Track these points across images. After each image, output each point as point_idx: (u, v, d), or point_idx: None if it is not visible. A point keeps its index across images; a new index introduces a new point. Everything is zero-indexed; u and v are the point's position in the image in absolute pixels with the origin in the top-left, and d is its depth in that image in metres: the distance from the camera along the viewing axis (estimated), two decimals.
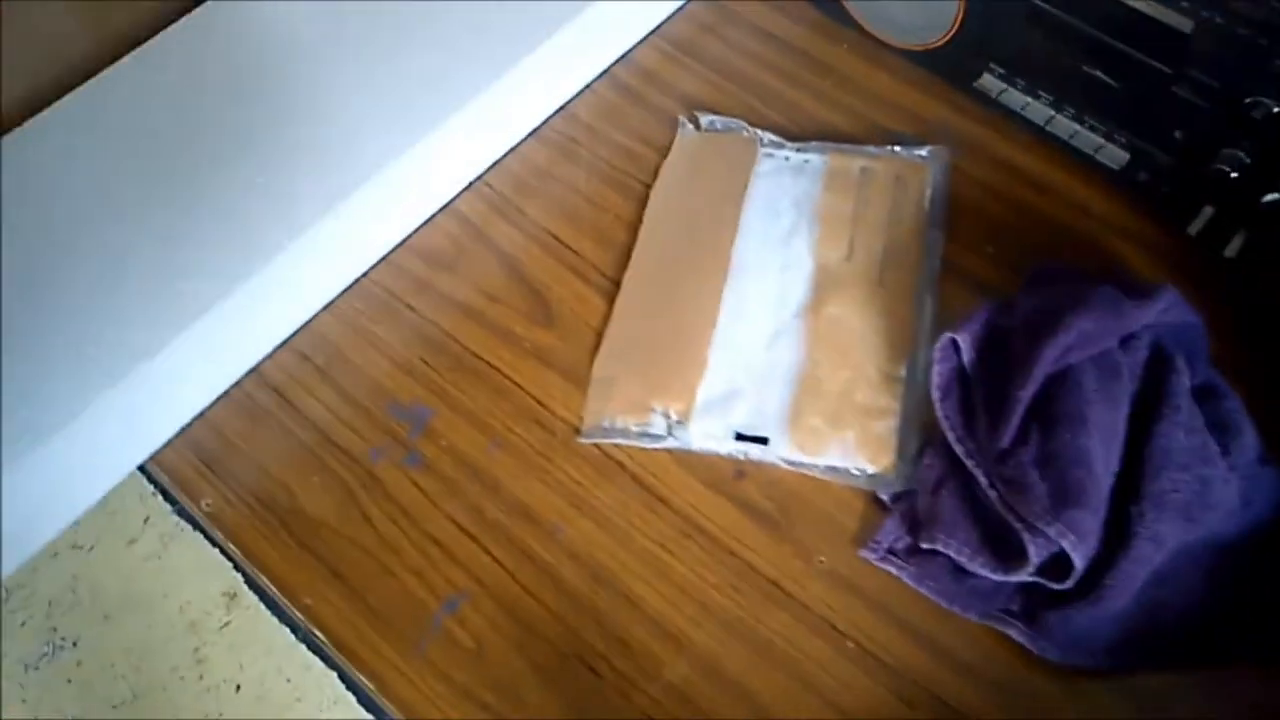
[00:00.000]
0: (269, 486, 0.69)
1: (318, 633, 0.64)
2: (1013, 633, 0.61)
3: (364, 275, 0.78)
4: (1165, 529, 0.60)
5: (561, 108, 0.85)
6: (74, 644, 0.68)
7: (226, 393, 0.73)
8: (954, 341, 0.65)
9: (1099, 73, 0.72)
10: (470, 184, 0.81)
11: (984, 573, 0.61)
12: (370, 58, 0.72)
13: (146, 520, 0.71)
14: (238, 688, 0.66)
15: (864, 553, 0.64)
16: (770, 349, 0.71)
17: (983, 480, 0.61)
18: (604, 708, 0.61)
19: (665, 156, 0.81)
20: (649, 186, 0.80)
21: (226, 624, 0.68)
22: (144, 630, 0.68)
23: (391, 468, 0.69)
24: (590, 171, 0.81)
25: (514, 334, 0.74)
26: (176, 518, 0.71)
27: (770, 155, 0.79)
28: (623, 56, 0.87)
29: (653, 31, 0.88)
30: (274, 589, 0.66)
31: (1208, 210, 0.72)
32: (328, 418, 0.72)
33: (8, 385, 0.63)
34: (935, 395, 0.64)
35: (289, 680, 0.66)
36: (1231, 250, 0.71)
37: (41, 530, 0.68)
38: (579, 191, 0.80)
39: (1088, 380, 0.62)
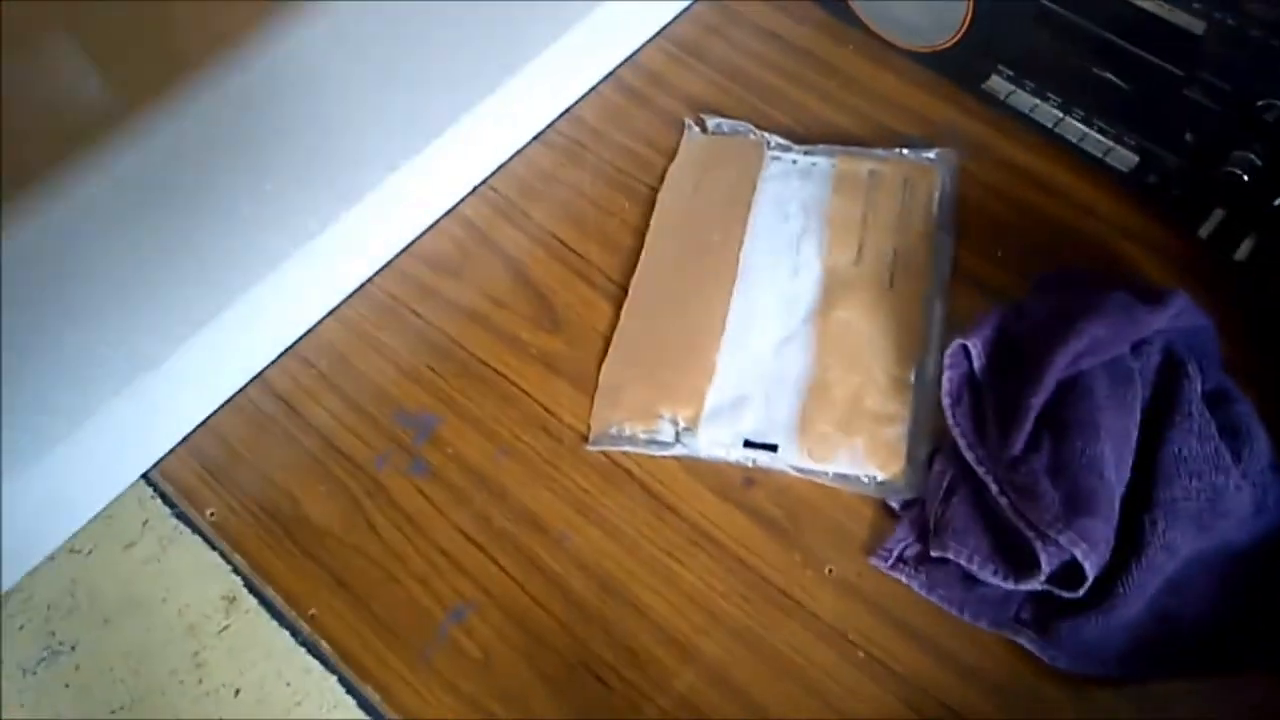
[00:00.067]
0: (273, 495, 0.69)
1: (323, 643, 0.64)
2: (1023, 641, 0.60)
3: (369, 281, 0.77)
4: (1178, 537, 0.59)
5: (566, 111, 0.84)
6: (72, 648, 0.67)
7: (230, 400, 0.73)
8: (965, 347, 0.64)
9: (1109, 74, 0.71)
10: (475, 188, 0.81)
11: (995, 581, 0.60)
12: (375, 64, 0.71)
13: (145, 524, 0.71)
14: (237, 692, 0.66)
15: (873, 560, 0.64)
16: (779, 354, 0.70)
17: (994, 487, 0.61)
18: (612, 718, 0.61)
19: (671, 159, 0.81)
20: (655, 190, 0.79)
21: (226, 628, 0.68)
22: (143, 634, 0.67)
23: (397, 476, 0.69)
24: (596, 175, 0.80)
25: (520, 340, 0.74)
26: (175, 521, 0.70)
27: (778, 158, 0.79)
28: (628, 59, 0.87)
29: (658, 33, 0.88)
30: (279, 599, 0.66)
31: (1218, 213, 0.71)
32: (333, 425, 0.71)
33: (11, 395, 0.62)
34: (946, 402, 0.64)
35: (289, 684, 0.66)
36: (1242, 253, 0.71)
37: (44, 541, 0.67)
38: (585, 195, 0.80)
39: (1100, 386, 0.61)
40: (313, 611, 0.65)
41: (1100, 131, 0.75)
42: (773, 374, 0.70)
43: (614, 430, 0.69)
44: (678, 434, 0.68)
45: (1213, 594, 0.60)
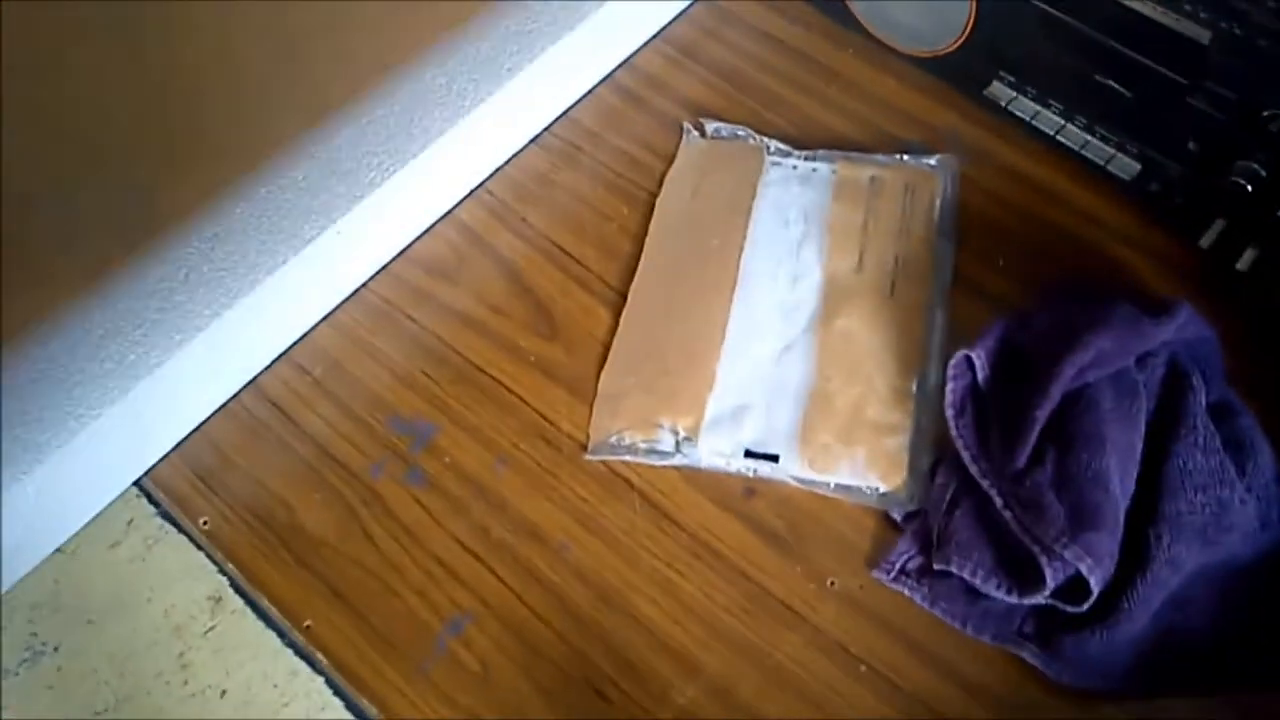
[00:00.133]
0: (268, 503, 0.68)
1: (319, 654, 0.63)
2: (1027, 656, 0.60)
3: (363, 285, 0.76)
4: (1183, 551, 0.59)
5: (563, 114, 0.83)
6: (55, 649, 0.66)
7: (223, 406, 0.72)
8: (969, 358, 0.64)
9: (1112, 82, 0.71)
10: (471, 192, 0.80)
11: (999, 595, 0.60)
12: (370, 66, 0.70)
13: (130, 523, 0.70)
14: (223, 693, 0.65)
15: (876, 573, 0.63)
16: (780, 363, 0.70)
17: (998, 501, 0.61)
18: None
19: (669, 163, 0.80)
20: (654, 194, 0.78)
21: (212, 628, 0.67)
22: (127, 635, 0.66)
23: (393, 484, 0.68)
24: (593, 179, 0.80)
25: (517, 346, 0.73)
26: (160, 520, 0.69)
27: (778, 164, 0.78)
28: (625, 61, 0.86)
29: (655, 35, 0.87)
30: (274, 610, 0.65)
31: (1219, 223, 0.71)
32: (327, 432, 0.70)
33: (5, 404, 0.61)
34: (950, 413, 0.63)
35: (275, 686, 0.65)
36: (1244, 263, 0.70)
37: (34, 549, 0.66)
38: (582, 199, 0.79)
39: (1105, 399, 0.61)
40: (308, 623, 0.64)
41: (1102, 139, 0.75)
42: (773, 383, 0.69)
43: (613, 439, 0.68)
44: (678, 443, 0.67)
45: (1217, 608, 0.60)
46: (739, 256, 0.74)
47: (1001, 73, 0.77)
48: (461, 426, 0.70)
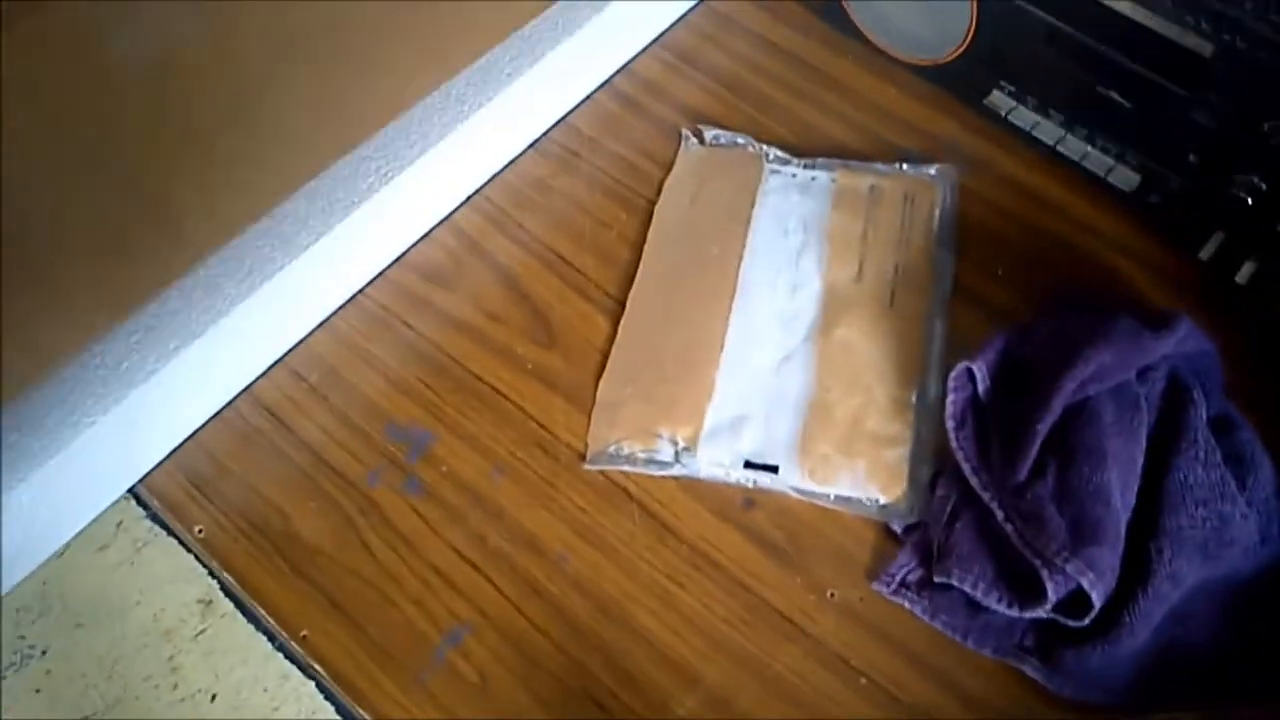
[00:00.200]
0: (263, 511, 0.67)
1: (315, 665, 0.63)
2: (1027, 669, 0.60)
3: (359, 291, 0.76)
4: (1184, 566, 0.59)
5: (561, 119, 0.83)
6: (43, 653, 0.66)
7: (218, 413, 0.71)
8: (970, 370, 0.64)
9: (1113, 94, 0.71)
10: (468, 197, 0.79)
11: (999, 608, 0.60)
12: (366, 70, 0.69)
13: (119, 525, 0.69)
14: (213, 697, 0.64)
15: (876, 585, 0.63)
16: (779, 373, 0.69)
17: (999, 514, 0.60)
18: None
19: (668, 170, 0.79)
20: (652, 201, 0.78)
21: (202, 632, 0.66)
22: (116, 638, 0.66)
23: (390, 493, 0.67)
24: (592, 185, 0.79)
25: (515, 354, 0.72)
26: (149, 523, 0.69)
27: (777, 172, 0.78)
28: (623, 67, 0.85)
29: (654, 41, 0.86)
30: (269, 619, 0.64)
31: (1219, 235, 0.71)
32: (323, 440, 0.70)
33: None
34: (950, 425, 0.63)
35: (266, 690, 0.64)
36: (1243, 276, 0.70)
37: (26, 558, 0.65)
38: (580, 206, 0.78)
39: (1106, 413, 0.61)
40: (304, 632, 0.63)
41: (1102, 150, 0.74)
42: (773, 393, 0.69)
43: (612, 449, 0.68)
44: (677, 454, 0.67)
45: (1217, 623, 0.60)
46: (738, 265, 0.74)
47: (1002, 82, 0.77)
48: (458, 435, 0.69)
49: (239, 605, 0.66)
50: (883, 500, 0.65)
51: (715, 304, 0.72)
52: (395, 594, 0.64)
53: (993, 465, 0.62)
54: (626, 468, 0.67)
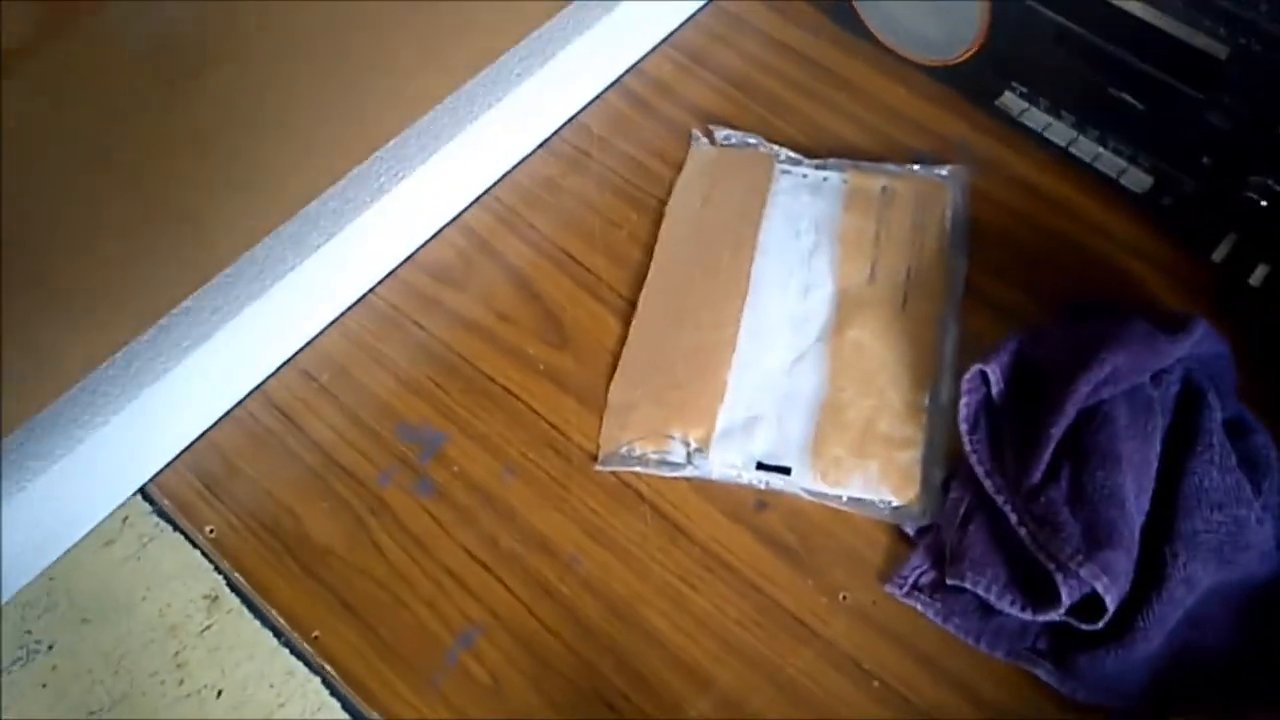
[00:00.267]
0: (274, 511, 0.67)
1: (327, 666, 0.63)
2: (1040, 673, 0.60)
3: (370, 291, 0.75)
4: (1199, 570, 0.59)
5: (571, 118, 0.83)
6: (49, 648, 0.66)
7: (229, 413, 0.71)
8: (984, 373, 0.63)
9: (1127, 96, 0.71)
10: (478, 197, 0.79)
11: (1013, 612, 0.60)
12: (383, 73, 0.69)
13: (125, 520, 0.69)
14: (219, 693, 0.64)
15: (888, 588, 0.63)
16: (791, 374, 0.69)
17: (1013, 517, 0.60)
18: None
19: (678, 170, 0.79)
20: (663, 202, 0.78)
21: (208, 627, 0.66)
22: (122, 634, 0.66)
23: (402, 494, 0.67)
24: (602, 185, 0.79)
25: (526, 354, 0.72)
26: (155, 518, 0.69)
27: (788, 172, 0.78)
28: (633, 66, 0.85)
29: (663, 40, 0.86)
30: (281, 620, 0.64)
31: (1232, 237, 0.71)
32: (334, 440, 0.70)
33: (8, 411, 0.61)
34: (963, 428, 0.63)
35: (272, 686, 0.64)
36: (1256, 279, 0.70)
37: (38, 557, 0.65)
38: (591, 206, 0.78)
39: (1120, 416, 0.61)
40: (316, 633, 0.63)
41: (1115, 152, 0.74)
42: (785, 394, 0.69)
43: (624, 450, 0.68)
44: (689, 455, 0.67)
45: (1232, 627, 0.60)
46: (749, 266, 0.74)
47: (1014, 83, 0.77)
48: (470, 435, 0.69)
49: (245, 601, 0.66)
50: (895, 502, 0.65)
51: (727, 305, 0.72)
52: (407, 595, 0.64)
53: (1006, 468, 0.62)
54: (638, 469, 0.67)
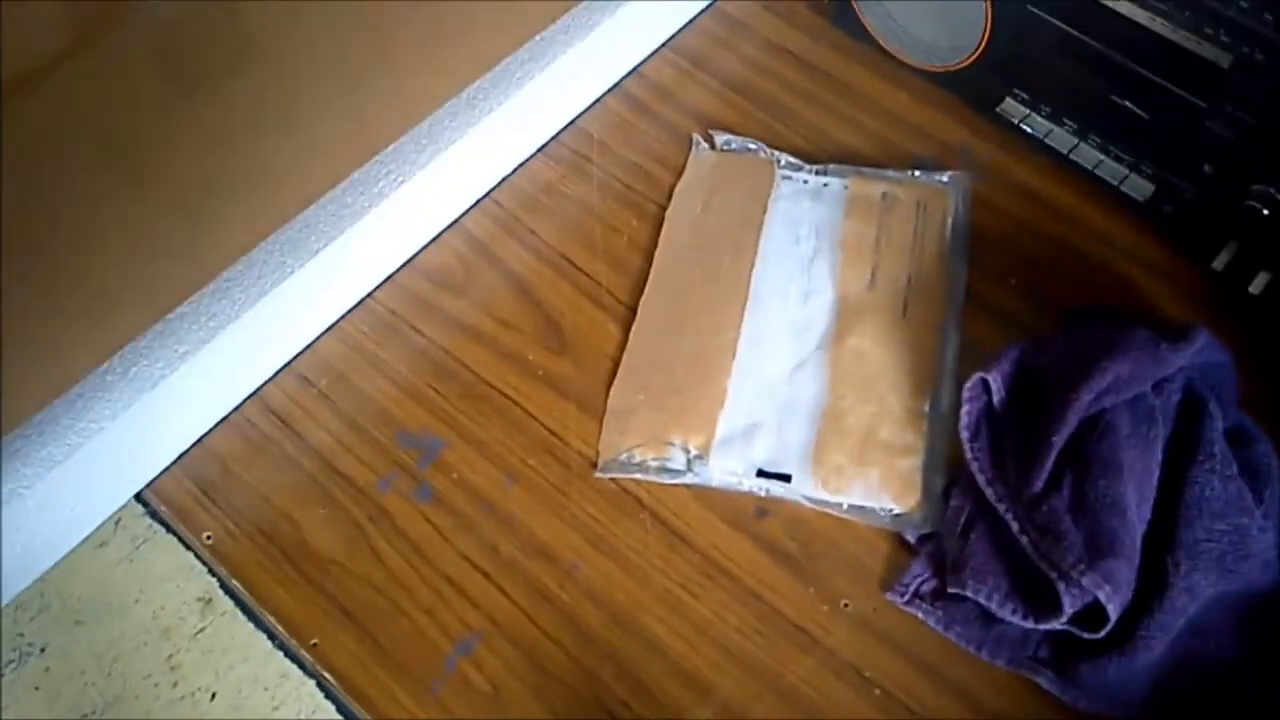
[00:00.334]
0: (272, 518, 0.67)
1: (326, 674, 0.62)
2: (1042, 681, 0.60)
3: (368, 295, 0.75)
4: (1200, 580, 0.59)
5: (571, 123, 0.82)
6: (42, 650, 0.65)
7: (226, 418, 0.70)
8: (985, 381, 0.63)
9: (1129, 103, 0.71)
10: (477, 201, 0.79)
11: (1014, 620, 0.60)
12: (384, 76, 0.69)
13: (118, 522, 0.68)
14: (213, 696, 0.64)
15: (889, 596, 0.63)
16: (791, 381, 0.69)
17: (1014, 526, 0.60)
18: None
19: (678, 175, 0.79)
20: (663, 207, 0.78)
21: (201, 630, 0.66)
22: (115, 636, 0.66)
23: (401, 500, 0.67)
24: (602, 190, 0.79)
25: (526, 360, 0.72)
26: (149, 520, 0.68)
27: (789, 178, 0.77)
28: (633, 70, 0.85)
29: (664, 44, 0.86)
30: (280, 627, 0.64)
31: (1233, 245, 0.71)
32: (333, 446, 0.69)
33: (5, 417, 0.60)
34: (965, 436, 0.63)
35: (266, 688, 0.64)
36: (1256, 287, 0.70)
37: (33, 564, 0.65)
38: (591, 211, 0.78)
39: (1122, 424, 0.61)
40: (315, 641, 0.63)
41: (1116, 159, 0.74)
42: (785, 401, 0.68)
43: (623, 457, 0.67)
44: (689, 462, 0.67)
45: (1234, 637, 0.60)
46: (750, 272, 0.73)
47: (1016, 90, 0.77)
48: (469, 442, 0.69)
49: (239, 603, 0.65)
50: (896, 510, 0.65)
51: (727, 310, 0.72)
52: (406, 603, 0.64)
53: (1008, 477, 0.62)
54: (638, 476, 0.67)
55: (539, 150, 0.81)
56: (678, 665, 0.62)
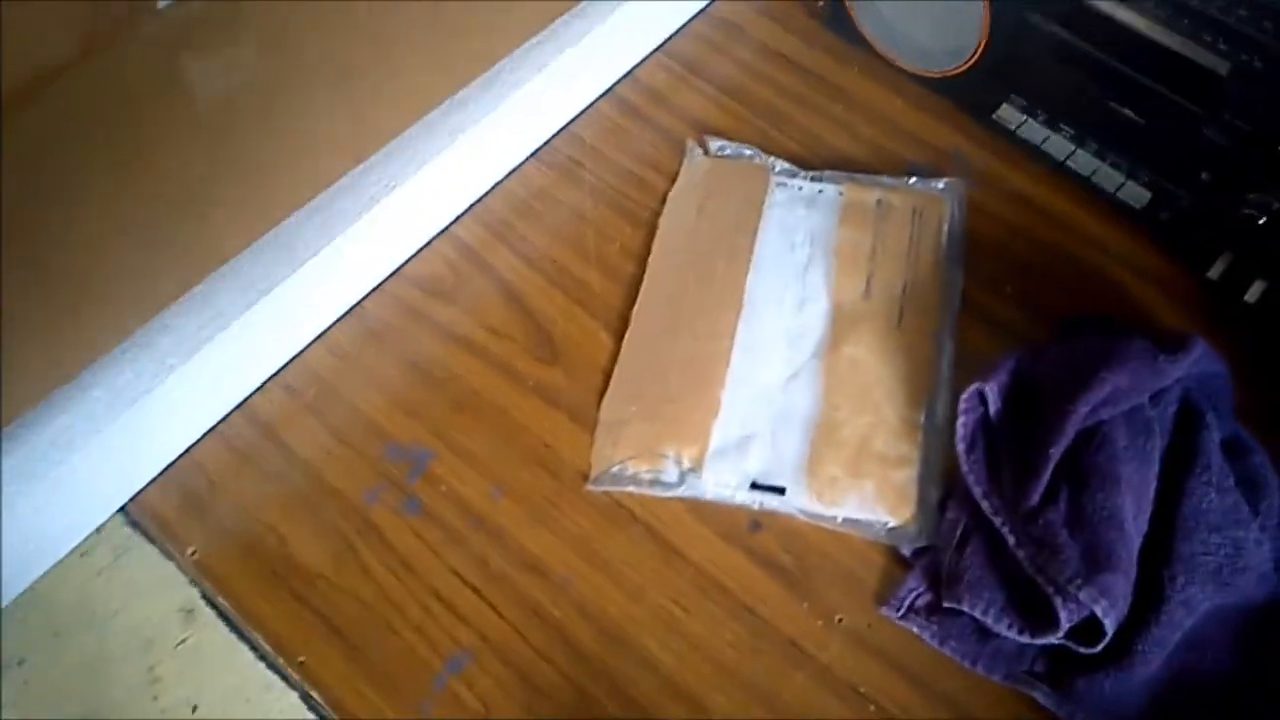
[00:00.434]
0: (259, 532, 0.66)
1: (314, 692, 0.61)
2: (1038, 696, 0.59)
3: (357, 304, 0.74)
4: (1197, 593, 0.58)
5: (563, 128, 0.81)
6: (20, 662, 0.64)
7: (212, 429, 0.69)
8: (981, 392, 0.62)
9: (1126, 110, 0.70)
10: (469, 207, 0.78)
11: (1010, 635, 0.59)
12: (378, 81, 0.68)
13: (99, 531, 0.67)
14: (194, 708, 0.63)
15: (884, 610, 0.62)
16: (786, 391, 0.68)
17: (1010, 539, 0.59)
18: None
19: (672, 181, 0.78)
20: (656, 213, 0.77)
21: (183, 641, 0.65)
22: (96, 648, 0.65)
23: (389, 514, 0.66)
24: (595, 196, 0.78)
25: (517, 370, 0.71)
26: (129, 529, 0.67)
27: (783, 184, 0.77)
28: (627, 74, 0.84)
29: (658, 48, 0.85)
30: (266, 644, 0.63)
31: (1229, 254, 0.70)
32: (321, 458, 0.68)
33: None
34: (960, 448, 0.62)
35: (248, 700, 0.63)
36: (1252, 295, 0.70)
37: (14, 581, 0.64)
38: (583, 217, 0.77)
39: (1119, 437, 0.60)
40: (302, 659, 0.62)
41: (1113, 166, 0.74)
42: (779, 411, 0.68)
43: (616, 469, 0.66)
44: (682, 474, 0.66)
45: (1230, 650, 0.59)
46: (744, 280, 0.73)
47: (1012, 96, 0.76)
48: (459, 453, 0.68)
49: (221, 615, 0.64)
50: (891, 523, 0.64)
51: (721, 320, 0.71)
52: (395, 619, 0.63)
53: (1004, 489, 0.61)
54: (631, 488, 0.66)
55: (531, 155, 0.80)
56: (671, 681, 0.61)
